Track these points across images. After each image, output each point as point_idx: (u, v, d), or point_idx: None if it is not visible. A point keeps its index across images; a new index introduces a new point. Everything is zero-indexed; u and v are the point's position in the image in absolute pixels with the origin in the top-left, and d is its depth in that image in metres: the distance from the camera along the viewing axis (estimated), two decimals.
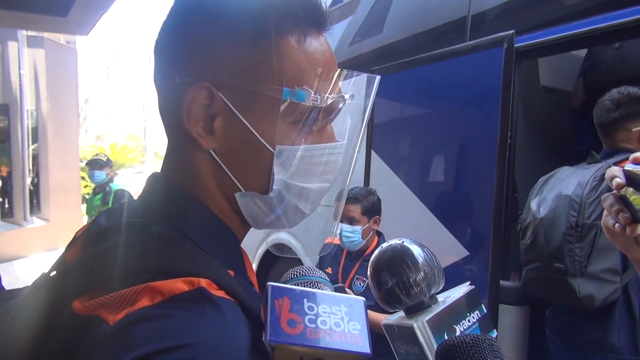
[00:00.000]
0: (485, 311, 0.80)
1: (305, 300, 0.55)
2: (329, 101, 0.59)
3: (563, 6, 2.31)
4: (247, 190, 0.60)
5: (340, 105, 0.62)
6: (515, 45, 2.22)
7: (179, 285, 0.48)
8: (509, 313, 2.26)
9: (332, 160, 0.63)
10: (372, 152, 3.08)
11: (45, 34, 10.26)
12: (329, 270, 2.62)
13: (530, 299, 2.25)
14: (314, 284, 0.68)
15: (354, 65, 3.38)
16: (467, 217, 2.57)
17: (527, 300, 2.26)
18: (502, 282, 2.24)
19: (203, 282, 0.49)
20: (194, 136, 0.58)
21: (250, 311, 0.52)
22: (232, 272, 0.57)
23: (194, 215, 0.59)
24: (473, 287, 0.81)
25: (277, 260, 4.20)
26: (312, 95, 0.58)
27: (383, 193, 2.75)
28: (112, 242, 0.55)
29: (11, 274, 7.85)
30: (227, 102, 0.57)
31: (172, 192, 0.61)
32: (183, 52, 0.58)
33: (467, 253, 2.40)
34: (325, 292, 0.59)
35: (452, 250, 2.44)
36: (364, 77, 0.68)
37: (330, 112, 0.61)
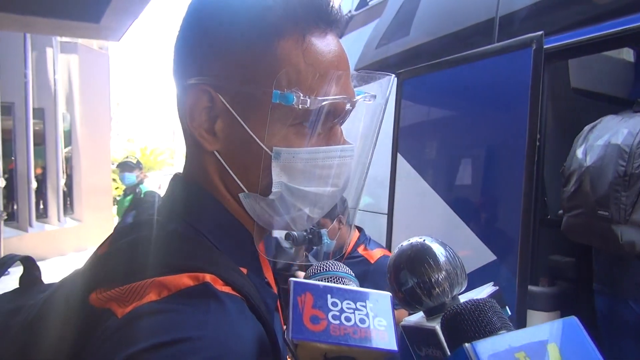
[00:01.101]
0: (510, 313, 0.78)
1: (328, 296, 0.54)
2: (322, 103, 0.57)
3: (594, 6, 2.26)
4: (250, 191, 0.61)
5: (348, 107, 0.60)
6: (545, 47, 2.18)
7: (185, 280, 0.48)
8: (538, 319, 2.21)
9: (340, 163, 0.61)
10: (398, 154, 3.06)
11: (79, 40, 10.53)
12: None
13: (560, 304, 2.20)
14: (338, 279, 0.67)
15: (380, 68, 3.38)
16: (495, 220, 2.53)
17: (557, 306, 2.21)
18: (531, 287, 2.20)
19: (208, 277, 0.49)
20: (197, 138, 0.59)
21: (258, 308, 0.52)
22: (244, 270, 0.57)
23: (209, 213, 0.61)
24: (497, 288, 0.79)
25: None
26: (302, 97, 0.56)
27: (409, 196, 2.74)
28: (131, 239, 0.56)
29: (45, 273, 8.05)
30: (227, 104, 0.57)
31: (188, 190, 0.63)
32: (188, 56, 0.60)
33: (495, 257, 2.36)
34: (350, 288, 0.58)
35: (479, 254, 2.41)
36: (377, 76, 0.67)
37: (334, 114, 0.59)
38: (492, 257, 2.37)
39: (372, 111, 0.67)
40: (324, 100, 0.57)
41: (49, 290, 0.60)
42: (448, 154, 2.90)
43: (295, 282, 0.55)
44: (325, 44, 0.59)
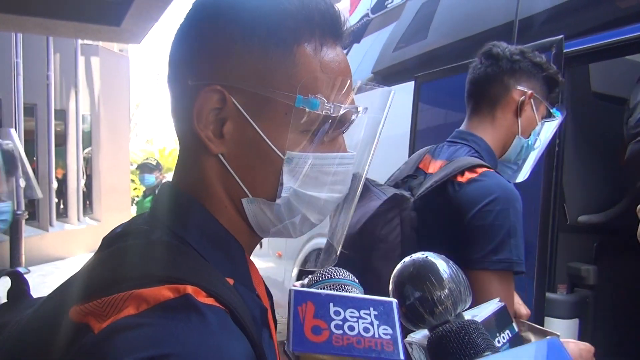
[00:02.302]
0: (517, 330, 0.75)
1: (331, 304, 0.52)
2: (342, 111, 0.58)
3: (615, 9, 2.23)
4: (254, 196, 0.60)
5: (353, 117, 0.61)
6: (565, 51, 2.15)
7: (164, 292, 0.46)
8: (556, 327, 2.18)
9: (343, 170, 0.62)
10: None
11: (100, 43, 10.69)
12: None
13: (579, 312, 2.17)
14: (341, 286, 0.64)
15: (397, 71, 3.37)
16: None
17: (576, 314, 2.18)
18: (549, 295, 2.17)
19: (189, 289, 0.47)
20: (203, 140, 0.58)
21: (242, 320, 0.50)
22: (231, 281, 0.55)
23: (195, 222, 0.59)
24: (503, 304, 0.76)
25: None
26: (326, 104, 0.57)
27: None
28: (113, 249, 0.55)
29: (64, 272, 8.19)
30: (239, 106, 0.56)
31: (175, 198, 0.61)
32: (197, 56, 0.58)
33: None
34: (353, 295, 0.56)
35: None
36: (378, 90, 0.67)
37: (342, 122, 0.60)
38: None
39: (373, 123, 0.68)
40: (343, 108, 0.58)
41: (35, 306, 0.58)
42: None
43: (296, 291, 0.52)
44: (336, 54, 0.60)
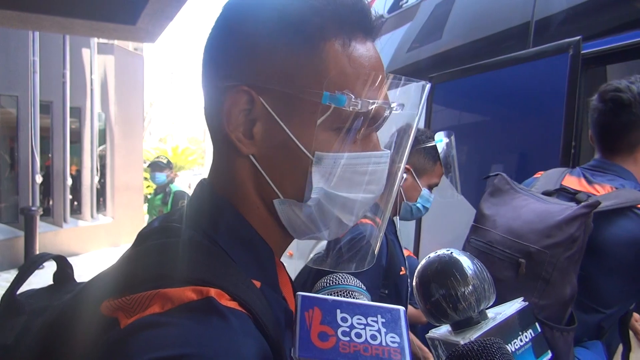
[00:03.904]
0: (540, 330, 0.74)
1: (338, 311, 0.51)
2: (371, 107, 0.56)
3: (634, 10, 2.19)
4: (285, 197, 0.59)
5: (386, 113, 0.59)
6: (582, 52, 2.12)
7: (188, 293, 0.47)
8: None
9: (377, 170, 0.60)
10: None
11: (115, 42, 10.79)
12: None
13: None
14: (349, 292, 0.64)
15: (411, 72, 3.35)
16: None
17: None
18: None
19: (213, 292, 0.48)
20: (233, 141, 0.57)
21: (265, 325, 0.50)
22: (258, 283, 0.55)
23: (226, 224, 0.58)
24: (527, 303, 0.75)
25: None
26: (353, 99, 0.55)
27: (438, 202, 2.70)
28: (147, 246, 0.56)
29: (78, 267, 8.25)
30: (267, 106, 0.56)
31: (209, 198, 0.61)
32: (225, 57, 0.58)
33: None
34: (360, 302, 0.55)
35: None
36: (412, 85, 0.64)
37: (375, 119, 0.58)
38: None
39: (406, 119, 0.66)
40: (372, 103, 0.56)
41: (72, 293, 0.60)
42: (480, 159, 2.86)
43: (303, 296, 0.52)
44: (366, 49, 0.59)
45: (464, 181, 2.91)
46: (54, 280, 0.70)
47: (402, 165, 0.67)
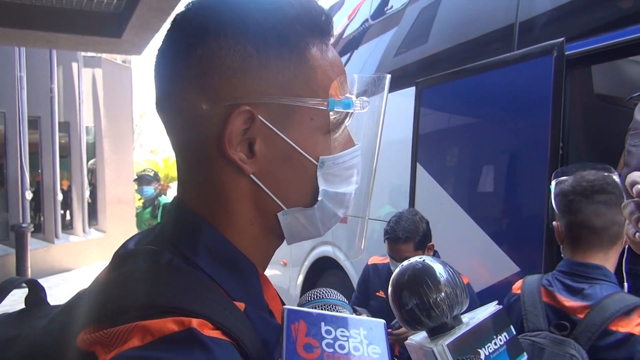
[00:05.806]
0: (515, 333, 0.76)
1: (322, 323, 0.53)
2: (366, 106, 0.59)
3: (617, 10, 2.21)
4: (289, 207, 0.59)
5: (365, 109, 0.62)
6: (566, 53, 2.14)
7: (169, 325, 0.46)
8: None
9: (357, 162, 0.63)
10: (418, 164, 3.03)
11: (103, 55, 10.77)
12: (381, 293, 2.49)
13: None
14: (332, 306, 0.66)
15: (398, 76, 3.36)
16: (517, 231, 2.48)
17: None
18: None
19: (195, 322, 0.47)
20: (236, 163, 0.55)
21: (249, 351, 0.50)
22: (242, 305, 0.55)
23: (205, 243, 0.57)
24: (500, 307, 0.77)
25: (324, 273, 4.19)
26: (356, 101, 0.59)
27: (429, 207, 2.71)
28: (123, 272, 0.55)
29: (70, 283, 8.21)
30: (265, 122, 0.55)
31: (185, 218, 0.59)
32: (208, 77, 0.55)
33: (518, 269, 2.31)
34: (343, 315, 0.57)
35: (502, 266, 2.36)
36: (373, 77, 0.67)
37: (349, 116, 0.61)
38: (515, 268, 2.31)
39: (375, 110, 0.69)
40: (366, 101, 0.60)
41: (46, 319, 0.59)
42: (468, 163, 2.87)
43: (289, 310, 0.54)
44: (333, 52, 0.61)
45: (454, 184, 2.92)
46: (25, 303, 0.68)
47: (377, 156, 0.70)
